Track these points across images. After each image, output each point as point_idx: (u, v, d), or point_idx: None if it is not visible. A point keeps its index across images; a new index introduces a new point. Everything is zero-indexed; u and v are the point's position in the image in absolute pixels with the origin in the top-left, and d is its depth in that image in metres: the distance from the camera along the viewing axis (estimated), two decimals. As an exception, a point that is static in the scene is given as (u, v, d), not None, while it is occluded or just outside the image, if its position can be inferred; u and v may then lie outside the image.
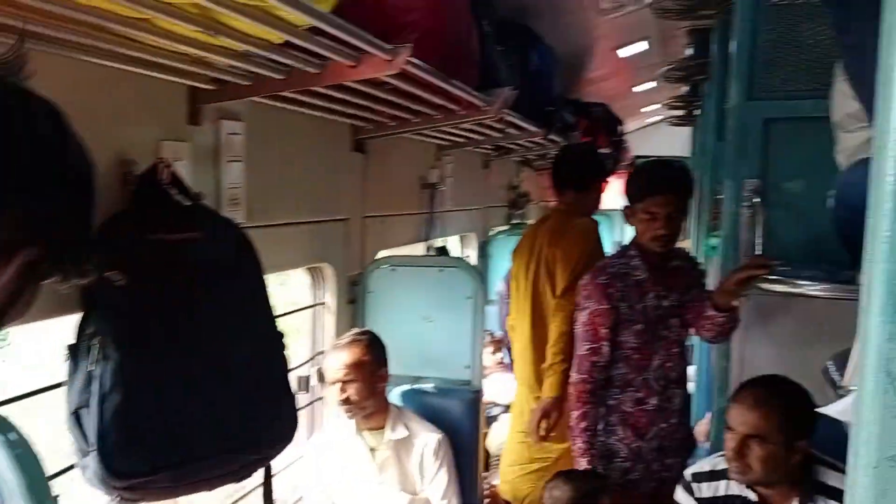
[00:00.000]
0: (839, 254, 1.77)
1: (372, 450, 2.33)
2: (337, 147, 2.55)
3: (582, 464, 2.35)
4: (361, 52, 1.67)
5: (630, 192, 2.39)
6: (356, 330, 2.38)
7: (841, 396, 0.74)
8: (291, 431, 1.41)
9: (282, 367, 1.40)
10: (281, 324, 1.56)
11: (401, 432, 2.32)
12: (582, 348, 2.37)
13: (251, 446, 1.33)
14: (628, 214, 2.41)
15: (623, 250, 2.45)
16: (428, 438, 2.34)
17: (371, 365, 2.27)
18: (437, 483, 2.33)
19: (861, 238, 1.55)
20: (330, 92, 2.00)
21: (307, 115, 2.24)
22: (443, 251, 3.40)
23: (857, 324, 1.03)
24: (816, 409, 0.70)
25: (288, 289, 4.01)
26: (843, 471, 1.79)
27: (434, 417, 2.44)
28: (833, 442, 1.84)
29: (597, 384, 2.37)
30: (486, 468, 3.24)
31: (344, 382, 2.23)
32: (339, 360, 2.25)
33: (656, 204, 2.31)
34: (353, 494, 2.31)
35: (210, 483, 1.29)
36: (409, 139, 3.07)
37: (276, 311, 1.49)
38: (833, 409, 0.65)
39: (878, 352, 0.49)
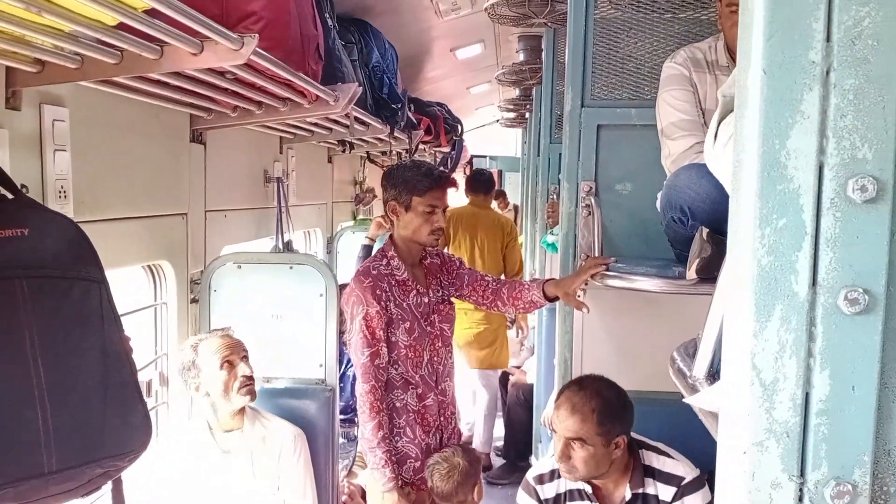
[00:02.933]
0: (666, 250, 1.95)
1: (227, 452, 2.23)
2: (174, 137, 2.40)
3: (386, 473, 2.30)
4: (204, 40, 1.58)
5: (409, 185, 2.38)
6: (219, 327, 2.30)
7: (692, 387, 0.82)
8: (143, 441, 1.31)
9: (128, 372, 1.29)
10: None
11: (258, 431, 2.26)
12: (363, 356, 2.31)
13: (96, 459, 1.23)
14: (397, 210, 2.40)
15: (382, 252, 2.47)
16: (284, 436, 2.29)
17: None
18: (294, 481, 2.28)
19: (685, 237, 1.69)
20: (166, 79, 1.88)
21: (141, 103, 2.09)
22: (288, 247, 3.31)
23: (690, 315, 1.13)
24: (683, 400, 0.76)
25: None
26: (666, 454, 1.98)
27: (288, 417, 2.39)
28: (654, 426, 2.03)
29: (382, 388, 2.35)
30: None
31: (248, 360, 2.21)
32: (235, 341, 2.22)
33: (437, 197, 2.40)
34: (208, 499, 2.19)
35: (54, 499, 1.17)
36: (251, 130, 2.95)
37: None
38: (698, 400, 0.71)
39: (744, 347, 0.54)
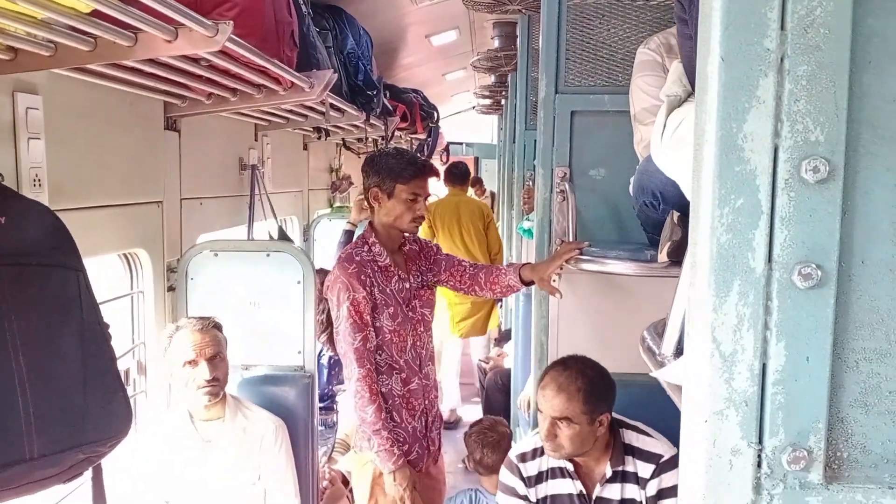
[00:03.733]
0: (639, 234, 1.99)
1: (207, 441, 2.23)
2: (148, 125, 2.38)
3: (395, 452, 2.35)
4: (178, 27, 1.57)
5: (394, 172, 2.41)
6: (195, 316, 2.27)
7: (660, 364, 0.85)
8: (124, 427, 1.32)
9: (108, 359, 1.30)
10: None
11: (239, 421, 2.26)
12: (356, 340, 2.33)
13: (78, 445, 1.23)
14: (379, 196, 2.42)
15: (363, 239, 2.48)
16: (265, 426, 2.29)
17: (226, 347, 2.26)
18: (275, 471, 2.29)
19: (657, 221, 1.73)
20: (140, 66, 1.86)
21: (115, 91, 2.07)
22: (283, 235, 3.31)
23: (663, 298, 1.16)
24: (650, 374, 0.79)
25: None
26: (646, 433, 2.03)
27: (267, 404, 2.39)
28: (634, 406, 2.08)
29: (374, 372, 2.38)
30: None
31: (215, 360, 2.18)
32: (209, 338, 2.18)
33: (420, 186, 2.44)
34: (188, 491, 2.20)
35: (37, 485, 1.18)
36: (226, 118, 2.93)
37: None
38: (664, 374, 0.74)
39: (705, 321, 0.57)
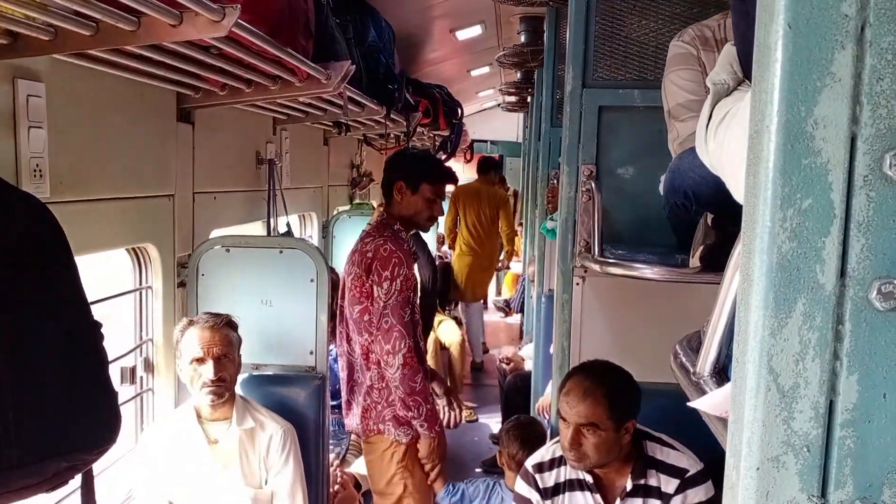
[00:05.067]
0: (668, 237, 1.88)
1: (214, 442, 2.16)
2: (160, 116, 2.31)
3: (438, 419, 2.55)
4: (183, 10, 1.50)
5: (423, 172, 2.62)
6: (209, 313, 2.21)
7: (695, 384, 0.75)
8: (112, 432, 1.25)
9: (97, 361, 1.23)
10: (96, 312, 1.38)
11: (247, 423, 2.19)
12: (405, 314, 2.44)
13: (62, 452, 1.16)
14: (404, 190, 2.59)
15: (388, 226, 2.58)
16: (274, 430, 2.22)
17: (239, 349, 2.23)
18: (282, 476, 2.21)
19: (689, 223, 1.61)
20: (149, 54, 1.79)
21: (125, 80, 2.01)
22: (288, 233, 3.25)
23: (692, 306, 1.05)
24: (688, 404, 0.69)
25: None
26: (670, 446, 1.92)
27: (278, 406, 2.33)
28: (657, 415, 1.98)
29: None
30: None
31: (223, 360, 2.13)
32: (219, 337, 2.14)
33: (442, 189, 2.70)
34: (193, 491, 2.13)
35: (15, 495, 1.11)
36: (243, 110, 2.86)
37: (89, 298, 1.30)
38: (703, 404, 0.64)
39: (760, 347, 0.47)
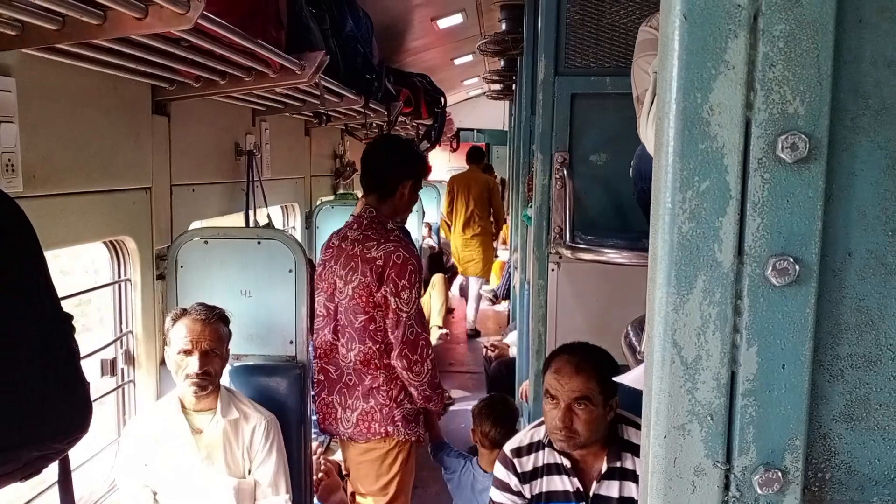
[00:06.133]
0: (641, 222, 1.90)
1: (198, 432, 2.18)
2: (135, 109, 2.31)
3: (443, 399, 2.61)
4: (149, 3, 1.50)
5: (424, 170, 2.67)
6: (203, 305, 2.22)
7: (639, 361, 0.77)
8: (83, 421, 1.26)
9: (69, 353, 1.24)
10: (67, 305, 1.39)
11: (232, 414, 2.21)
12: (424, 331, 2.48)
13: (34, 441, 1.18)
14: (410, 189, 2.54)
15: (383, 226, 2.48)
16: (257, 421, 2.24)
17: (228, 343, 2.24)
18: (266, 466, 2.24)
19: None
20: (119, 47, 1.80)
21: (97, 73, 2.01)
22: (268, 225, 3.26)
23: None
24: (613, 379, 0.72)
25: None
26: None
27: (259, 395, 2.34)
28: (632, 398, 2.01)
29: None
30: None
31: (210, 354, 2.14)
32: (209, 331, 2.15)
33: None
34: (176, 481, 2.15)
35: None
36: (221, 102, 2.86)
37: (58, 291, 1.32)
38: (628, 378, 0.67)
39: (664, 322, 0.49)
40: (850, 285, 0.50)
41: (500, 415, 2.91)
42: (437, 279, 6.44)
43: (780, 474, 0.50)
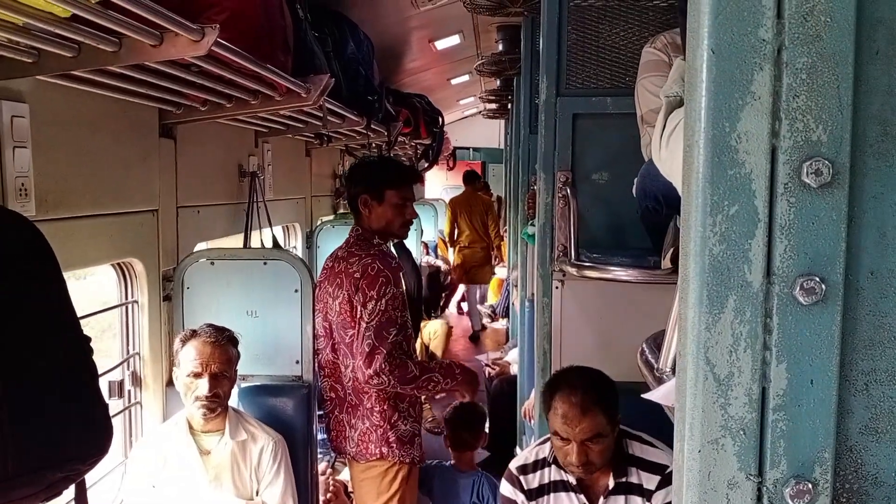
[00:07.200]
0: (643, 240, 1.93)
1: (206, 453, 2.19)
2: (143, 132, 2.34)
3: (454, 371, 2.54)
4: (164, 31, 1.53)
5: (383, 179, 2.54)
6: (213, 326, 2.23)
7: (658, 379, 0.79)
8: (104, 443, 1.28)
9: (88, 374, 1.26)
10: (85, 328, 1.41)
11: (240, 435, 2.22)
12: (390, 335, 2.38)
13: (57, 463, 1.19)
14: (369, 202, 2.52)
15: (367, 242, 2.51)
16: (265, 442, 2.25)
17: (236, 364, 2.26)
18: (274, 487, 2.24)
19: (661, 226, 1.67)
20: (130, 73, 1.83)
21: (107, 98, 2.03)
22: (276, 245, 3.28)
23: (666, 306, 1.10)
24: (642, 396, 0.74)
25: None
26: (649, 443, 1.96)
27: (265, 416, 2.35)
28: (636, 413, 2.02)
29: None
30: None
31: (219, 377, 2.15)
32: (218, 353, 2.16)
33: (409, 190, 2.60)
34: (184, 502, 2.15)
35: (13, 505, 1.14)
36: (224, 125, 2.89)
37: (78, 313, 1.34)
38: (655, 395, 0.69)
39: (696, 340, 0.52)
40: (873, 303, 0.52)
41: (468, 417, 3.31)
42: (441, 330, 6.13)
43: (810, 486, 0.51)
